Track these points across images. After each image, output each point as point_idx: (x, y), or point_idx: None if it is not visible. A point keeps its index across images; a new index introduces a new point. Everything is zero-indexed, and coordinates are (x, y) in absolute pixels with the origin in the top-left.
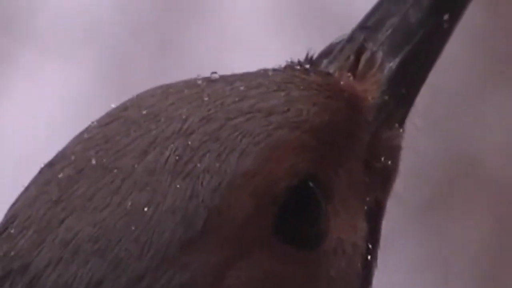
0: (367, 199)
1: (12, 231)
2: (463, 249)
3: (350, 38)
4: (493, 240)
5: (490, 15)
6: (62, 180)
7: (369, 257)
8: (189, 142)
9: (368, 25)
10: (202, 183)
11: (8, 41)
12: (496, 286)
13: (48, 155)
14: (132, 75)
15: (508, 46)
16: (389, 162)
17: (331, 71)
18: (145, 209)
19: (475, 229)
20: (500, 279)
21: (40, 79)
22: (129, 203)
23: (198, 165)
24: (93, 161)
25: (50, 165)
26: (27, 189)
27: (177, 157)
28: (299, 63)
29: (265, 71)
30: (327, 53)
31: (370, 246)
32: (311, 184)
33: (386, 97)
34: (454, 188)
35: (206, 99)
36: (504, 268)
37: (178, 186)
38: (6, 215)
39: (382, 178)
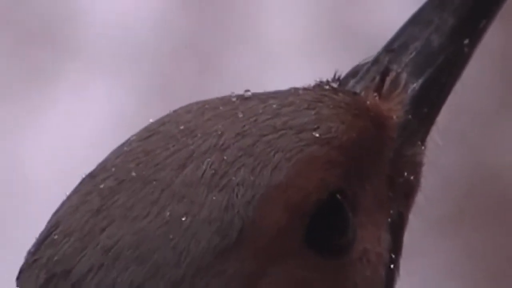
0: (391, 212)
1: (56, 237)
2: (482, 260)
3: (376, 60)
4: (507, 253)
5: (506, 39)
6: (103, 190)
7: (392, 266)
8: (225, 157)
9: (393, 48)
10: (237, 195)
11: (55, 56)
12: None
13: (89, 166)
14: (171, 91)
15: None
16: (412, 177)
17: (357, 90)
18: (183, 219)
19: (493, 241)
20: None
21: (85, 93)
22: (168, 213)
23: (233, 178)
24: (133, 173)
25: (91, 176)
26: (69, 198)
27: (213, 171)
28: (328, 82)
29: (296, 89)
30: (354, 73)
31: (393, 256)
32: (339, 197)
33: (410, 116)
34: (473, 203)
35: (240, 115)
36: None
37: (214, 198)
38: (49, 222)
39: (405, 192)
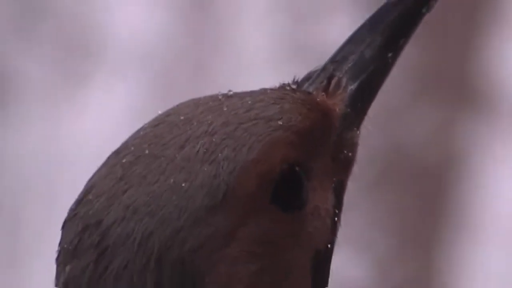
0: (334, 179)
1: (90, 197)
2: (399, 215)
3: (324, 68)
4: (417, 210)
5: (418, 52)
6: (124, 163)
7: (335, 218)
8: (213, 139)
9: (336, 59)
10: (222, 167)
11: (86, 63)
12: (421, 246)
13: (114, 146)
14: (173, 91)
15: (429, 72)
16: (350, 154)
17: (310, 90)
18: (183, 184)
19: (406, 201)
20: (424, 242)
21: (108, 92)
22: (172, 180)
23: (220, 155)
24: (147, 151)
25: (116, 153)
26: (100, 169)
27: (205, 150)
28: (289, 84)
29: (265, 89)
30: (307, 78)
31: (336, 211)
32: (297, 168)
33: (348, 110)
34: (392, 173)
35: (225, 109)
36: (427, 231)
37: (205, 169)
38: (85, 187)
39: (345, 165)
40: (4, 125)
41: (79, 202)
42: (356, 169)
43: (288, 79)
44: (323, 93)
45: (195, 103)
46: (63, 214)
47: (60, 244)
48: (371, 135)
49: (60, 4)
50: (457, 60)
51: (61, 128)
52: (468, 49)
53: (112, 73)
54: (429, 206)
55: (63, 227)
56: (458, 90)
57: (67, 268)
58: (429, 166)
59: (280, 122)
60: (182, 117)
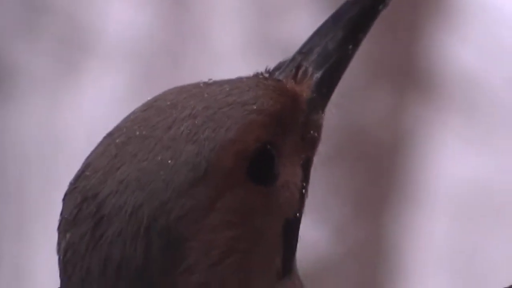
0: (302, 156)
1: (87, 173)
2: (353, 184)
3: (292, 59)
4: (370, 181)
5: (371, 41)
6: (118, 143)
7: (303, 191)
8: (196, 122)
9: (303, 51)
10: (204, 146)
11: (79, 57)
12: (373, 213)
13: (104, 130)
14: (156, 80)
15: (381, 61)
16: (316, 134)
17: (281, 78)
18: (169, 161)
19: (358, 172)
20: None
21: (100, 81)
22: (159, 158)
23: (201, 135)
24: (137, 132)
25: (110, 134)
26: (96, 148)
27: (188, 131)
28: (262, 73)
29: (241, 78)
30: (278, 67)
31: (304, 184)
32: (269, 147)
33: (314, 95)
34: (348, 148)
35: (206, 95)
36: (378, 200)
37: (189, 148)
38: (83, 164)
39: (311, 143)
40: (6, 111)
41: (78, 177)
42: (320, 147)
43: (259, 69)
44: (292, 81)
45: (180, 90)
46: (62, 188)
47: (61, 214)
48: (333, 116)
49: (56, 3)
50: (405, 49)
51: (57, 113)
52: (415, 40)
53: (102, 64)
54: (381, 178)
55: (63, 200)
56: (407, 77)
57: (67, 235)
58: (381, 143)
59: (254, 106)
60: (168, 102)
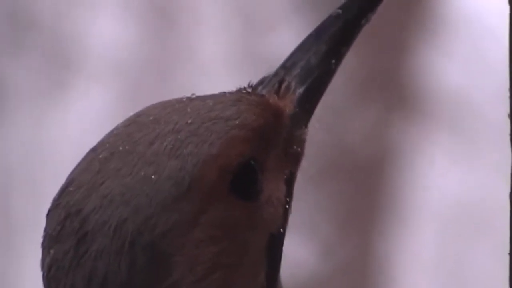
0: (286, 171)
1: (71, 189)
2: (340, 203)
3: (275, 74)
4: (356, 199)
5: (358, 58)
6: (101, 159)
7: (287, 206)
8: (179, 137)
9: (286, 66)
10: (187, 161)
11: (66, 72)
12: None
13: (91, 144)
14: (143, 95)
15: (366, 77)
16: (299, 149)
17: (264, 93)
18: (152, 176)
19: (345, 191)
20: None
21: (86, 97)
22: (143, 173)
23: (184, 150)
24: (120, 148)
25: (93, 150)
26: (79, 164)
27: (171, 146)
28: (245, 88)
29: (224, 93)
30: (261, 82)
31: (287, 199)
32: (252, 162)
33: (297, 110)
34: (334, 166)
35: (189, 110)
36: (365, 218)
37: (172, 163)
38: (67, 179)
39: (295, 158)
40: None
41: (61, 193)
42: (304, 162)
43: (243, 84)
44: (275, 96)
45: (163, 105)
46: (48, 204)
47: (45, 230)
48: (317, 132)
49: (44, 18)
50: (390, 66)
51: (44, 129)
52: (400, 57)
53: (88, 80)
54: (367, 196)
55: (47, 216)
56: (392, 93)
57: (51, 251)
58: (367, 160)
59: (237, 122)
60: (151, 118)
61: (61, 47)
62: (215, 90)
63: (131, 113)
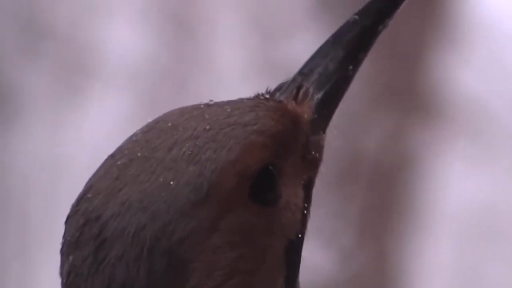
0: (304, 177)
1: (89, 195)
2: (356, 209)
3: (293, 80)
4: (374, 205)
5: (374, 65)
6: (120, 165)
7: (305, 211)
8: (197, 143)
9: (304, 72)
10: (205, 167)
11: (82, 80)
12: (379, 237)
13: (108, 151)
14: (159, 102)
15: (384, 83)
16: (317, 155)
17: (282, 99)
18: (171, 183)
19: (360, 196)
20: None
21: (103, 103)
22: (161, 179)
23: (203, 156)
24: (139, 154)
25: (112, 156)
26: (98, 170)
27: (190, 152)
28: (263, 94)
29: (242, 99)
30: (279, 88)
31: (305, 205)
32: (270, 167)
33: (315, 116)
34: (353, 170)
35: (207, 116)
36: (383, 224)
37: (190, 169)
38: (85, 186)
39: (313, 164)
40: (10, 134)
41: (80, 199)
42: (322, 168)
43: (261, 90)
44: (293, 102)
45: (181, 111)
46: (65, 211)
47: (63, 237)
48: (335, 138)
49: (61, 26)
50: (408, 72)
51: (61, 135)
52: (417, 63)
53: (105, 87)
54: (385, 202)
55: (66, 222)
56: (409, 99)
57: (70, 258)
58: (384, 166)
59: (255, 127)
60: (169, 124)
61: (78, 55)
62: (232, 98)
63: (148, 120)
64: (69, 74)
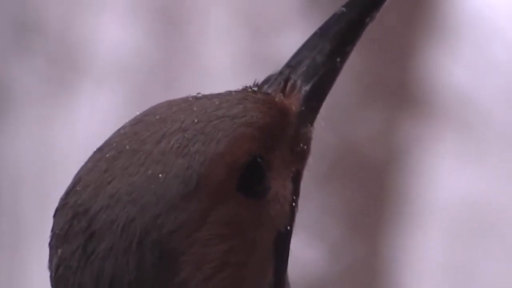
0: (292, 169)
1: (78, 188)
2: (345, 202)
3: (281, 72)
4: (364, 198)
5: (362, 58)
6: (108, 158)
7: (293, 204)
8: (186, 135)
9: (291, 64)
10: (194, 159)
11: (73, 76)
12: (368, 231)
13: (98, 143)
14: (148, 97)
15: (373, 76)
16: (305, 147)
17: (270, 92)
18: (160, 175)
19: (351, 189)
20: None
21: (92, 99)
22: (150, 172)
23: (192, 148)
24: (127, 147)
25: (100, 149)
26: (86, 163)
27: (178, 144)
28: (250, 87)
29: (230, 92)
30: (266, 81)
31: (294, 197)
32: (259, 159)
33: (303, 108)
34: (340, 165)
35: (195, 109)
36: (373, 218)
37: (179, 161)
38: (73, 179)
39: (301, 156)
40: (1, 129)
41: (69, 193)
42: (310, 161)
43: (249, 83)
44: (281, 94)
45: (169, 104)
46: (55, 205)
47: (52, 230)
48: (323, 131)
49: (51, 22)
50: (397, 66)
51: (52, 130)
52: (407, 57)
53: (95, 83)
54: (375, 195)
55: (54, 215)
56: (399, 93)
57: (59, 251)
58: (374, 159)
59: (243, 119)
60: (157, 117)
61: (68, 52)
62: (222, 89)
63: (137, 112)
64: (59, 70)
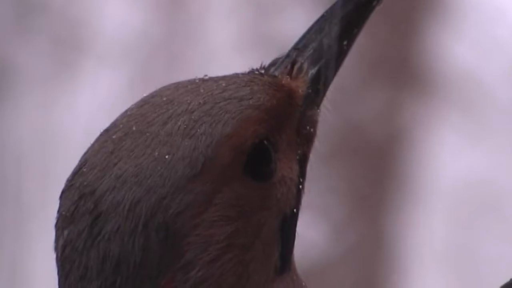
0: (299, 151)
1: (84, 170)
2: (349, 181)
3: (288, 55)
4: (367, 178)
5: (368, 42)
6: (114, 139)
7: (300, 186)
8: (192, 117)
9: (298, 47)
10: (200, 141)
11: (76, 55)
12: (371, 211)
13: (100, 127)
14: (152, 78)
15: (377, 58)
16: (311, 130)
17: (276, 74)
18: (166, 157)
19: (355, 168)
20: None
21: (95, 79)
22: (156, 153)
23: (198, 130)
24: (134, 128)
25: (106, 131)
26: (92, 145)
27: (185, 126)
28: (257, 69)
29: (237, 74)
30: (273, 63)
31: (300, 179)
32: (265, 142)
33: (310, 91)
34: (346, 144)
35: (202, 91)
36: (376, 197)
37: (186, 143)
38: (80, 160)
39: (307, 139)
40: (2, 110)
41: (75, 174)
42: (315, 143)
43: (255, 65)
44: (288, 77)
45: (176, 86)
46: (59, 186)
47: (58, 211)
48: (328, 113)
49: (53, 2)
50: (401, 47)
51: (54, 112)
52: (411, 37)
53: (98, 62)
54: (378, 175)
55: (61, 197)
56: (402, 74)
57: (65, 232)
58: (377, 140)
59: (250, 102)
60: (164, 98)
61: (71, 31)
62: (226, 73)
63: (142, 96)
64: (62, 49)
